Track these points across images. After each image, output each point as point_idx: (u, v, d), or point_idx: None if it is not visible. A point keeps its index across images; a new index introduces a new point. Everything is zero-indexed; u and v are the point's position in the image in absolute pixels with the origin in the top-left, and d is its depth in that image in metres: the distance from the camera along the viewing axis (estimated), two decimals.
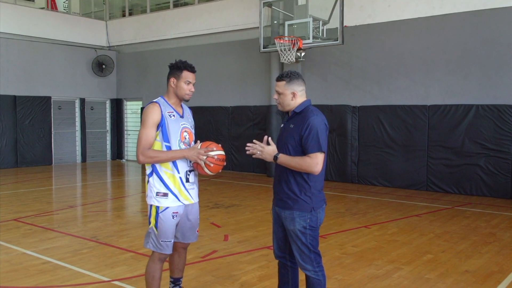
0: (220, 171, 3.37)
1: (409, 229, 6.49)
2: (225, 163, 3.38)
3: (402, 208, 7.99)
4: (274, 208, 3.28)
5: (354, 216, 7.38)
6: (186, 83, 3.34)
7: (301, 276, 3.38)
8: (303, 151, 3.04)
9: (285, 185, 3.12)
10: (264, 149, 3.09)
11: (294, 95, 3.14)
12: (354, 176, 10.81)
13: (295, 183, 3.09)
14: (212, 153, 3.25)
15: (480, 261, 5.05)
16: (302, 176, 3.07)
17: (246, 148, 3.17)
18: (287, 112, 3.25)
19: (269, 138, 3.14)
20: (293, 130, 3.09)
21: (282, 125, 3.31)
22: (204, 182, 10.77)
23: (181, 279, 3.68)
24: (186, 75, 3.34)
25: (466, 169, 9.24)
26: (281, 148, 3.13)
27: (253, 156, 3.16)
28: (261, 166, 12.26)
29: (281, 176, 3.16)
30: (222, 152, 3.34)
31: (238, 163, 12.93)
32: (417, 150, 9.83)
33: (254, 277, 4.50)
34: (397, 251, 5.41)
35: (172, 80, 3.37)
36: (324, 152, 3.03)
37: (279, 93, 3.17)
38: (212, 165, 3.25)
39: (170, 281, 3.67)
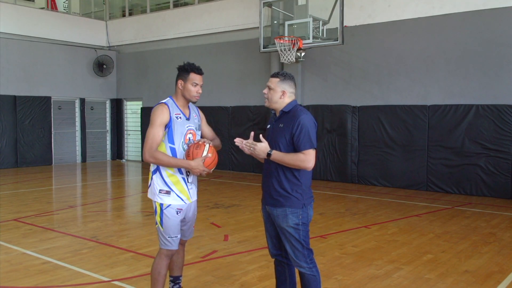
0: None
1: (409, 229, 6.49)
2: (215, 152, 3.41)
3: (402, 208, 7.99)
4: (264, 207, 3.31)
5: (354, 216, 7.38)
6: (193, 85, 3.39)
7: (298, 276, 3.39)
8: (295, 149, 3.09)
9: (276, 182, 3.16)
10: (257, 146, 3.12)
11: (284, 94, 3.21)
12: (354, 176, 10.81)
13: (286, 180, 3.13)
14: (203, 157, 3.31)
15: (480, 261, 5.05)
16: (293, 173, 3.12)
17: (235, 140, 3.23)
18: (275, 113, 3.31)
19: (260, 135, 3.19)
20: (283, 129, 3.14)
21: (268, 126, 3.34)
22: (204, 182, 10.77)
23: (180, 278, 3.70)
24: (193, 77, 3.38)
25: (466, 169, 9.23)
26: (271, 148, 3.16)
27: (246, 152, 3.20)
28: (261, 166, 12.23)
29: (271, 174, 3.19)
30: (206, 149, 3.33)
31: (238, 163, 12.93)
32: (417, 150, 9.83)
33: (254, 277, 4.50)
34: (397, 251, 5.41)
35: (180, 82, 3.41)
36: (315, 149, 3.09)
37: (270, 88, 3.23)
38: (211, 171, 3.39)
39: (170, 280, 3.69)
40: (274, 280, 3.50)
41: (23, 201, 8.55)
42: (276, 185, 3.16)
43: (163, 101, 3.42)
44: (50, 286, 4.26)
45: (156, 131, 3.27)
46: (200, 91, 3.44)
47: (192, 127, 3.48)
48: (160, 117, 3.29)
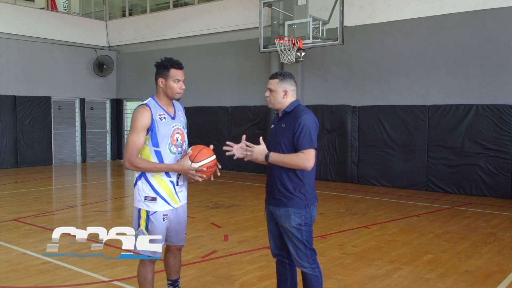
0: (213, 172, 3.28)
1: (409, 229, 6.49)
2: (217, 166, 3.27)
3: (402, 208, 7.98)
4: (267, 207, 3.31)
5: (354, 216, 7.38)
6: (175, 82, 3.18)
7: (299, 277, 3.38)
8: (295, 149, 3.08)
9: (279, 182, 3.15)
10: (255, 148, 3.09)
11: (286, 94, 3.20)
12: (354, 176, 10.80)
13: (288, 180, 3.13)
14: (201, 163, 3.14)
15: (480, 261, 5.05)
16: (296, 173, 3.11)
17: (224, 148, 3.17)
18: (277, 113, 3.30)
19: (260, 138, 3.17)
20: (285, 129, 3.14)
21: (272, 126, 3.33)
22: (204, 182, 10.69)
23: (178, 280, 3.66)
24: (174, 73, 3.18)
25: (466, 169, 9.23)
26: (274, 148, 3.16)
27: (245, 159, 3.15)
28: (261, 166, 12.24)
29: (274, 174, 3.18)
30: (212, 158, 3.20)
31: (238, 163, 12.90)
32: (417, 150, 9.83)
33: (254, 277, 4.50)
34: (397, 251, 5.41)
35: (161, 80, 3.20)
36: (316, 149, 3.08)
37: (271, 90, 3.22)
38: (204, 176, 3.20)
39: (168, 284, 3.63)
40: (274, 280, 3.50)
41: (23, 201, 8.54)
42: (279, 185, 3.15)
43: (144, 102, 3.19)
44: (50, 286, 4.26)
45: (137, 137, 3.08)
46: (183, 87, 3.23)
47: (179, 126, 3.28)
48: (140, 120, 3.08)
